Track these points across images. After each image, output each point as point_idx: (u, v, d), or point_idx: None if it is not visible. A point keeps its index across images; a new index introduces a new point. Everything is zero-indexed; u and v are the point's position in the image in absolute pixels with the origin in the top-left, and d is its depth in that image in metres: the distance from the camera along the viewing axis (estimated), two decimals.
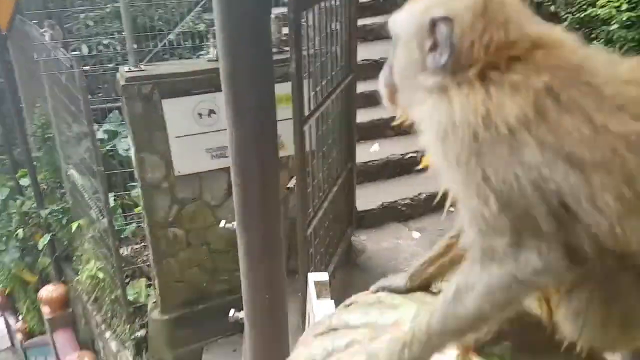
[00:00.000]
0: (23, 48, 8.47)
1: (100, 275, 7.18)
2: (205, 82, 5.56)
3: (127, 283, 6.82)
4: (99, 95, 9.03)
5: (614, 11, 6.55)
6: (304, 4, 4.27)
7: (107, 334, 7.09)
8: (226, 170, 4.99)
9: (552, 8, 7.48)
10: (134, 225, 7.24)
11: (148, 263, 6.73)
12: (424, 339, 1.08)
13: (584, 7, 7.00)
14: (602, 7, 6.75)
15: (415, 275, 1.34)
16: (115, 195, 7.19)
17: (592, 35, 6.93)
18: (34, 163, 9.10)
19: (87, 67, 6.91)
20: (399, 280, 1.35)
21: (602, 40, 6.84)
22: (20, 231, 8.96)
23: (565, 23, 7.14)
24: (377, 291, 1.38)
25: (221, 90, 5.45)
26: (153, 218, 5.91)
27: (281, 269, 3.03)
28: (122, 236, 7.22)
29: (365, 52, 7.06)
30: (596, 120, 1.00)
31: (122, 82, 5.64)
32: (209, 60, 5.90)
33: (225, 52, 2.38)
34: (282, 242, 3.00)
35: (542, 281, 1.00)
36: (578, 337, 1.04)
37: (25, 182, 9.46)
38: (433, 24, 1.12)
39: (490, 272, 1.03)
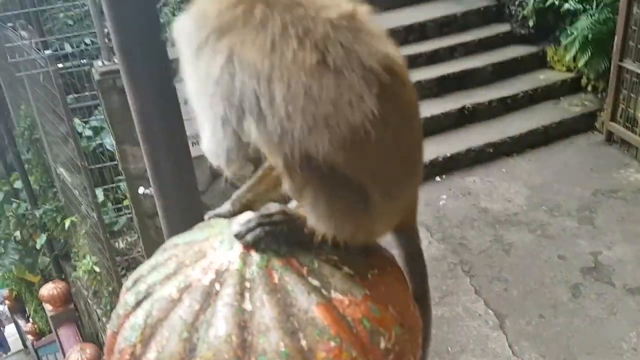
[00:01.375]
0: (2, 52, 8.54)
1: (97, 269, 7.32)
2: (174, 71, 5.62)
3: (124, 275, 6.96)
4: (85, 92, 9.12)
5: None
6: None
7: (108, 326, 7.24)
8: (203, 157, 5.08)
9: None
10: (125, 218, 7.36)
11: (142, 254, 6.86)
12: None
13: None
14: None
15: (236, 201, 1.48)
16: (104, 190, 7.31)
17: None
18: (25, 165, 9.21)
19: (61, 65, 6.95)
20: (225, 206, 1.51)
21: None
22: (18, 233, 9.11)
23: None
24: (209, 218, 1.53)
25: None
26: (140, 209, 6.02)
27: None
28: (115, 229, 7.35)
29: None
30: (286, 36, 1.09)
31: (97, 77, 5.73)
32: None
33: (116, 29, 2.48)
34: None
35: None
36: (319, 229, 1.25)
37: (19, 185, 9.61)
38: None
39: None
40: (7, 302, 16.82)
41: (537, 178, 6.29)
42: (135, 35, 2.39)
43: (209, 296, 1.25)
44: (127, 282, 1.44)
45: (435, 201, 6.10)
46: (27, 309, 13.95)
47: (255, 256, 1.28)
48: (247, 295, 1.23)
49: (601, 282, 4.86)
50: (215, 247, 1.34)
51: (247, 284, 1.25)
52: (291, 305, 1.21)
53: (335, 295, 1.24)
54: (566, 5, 6.94)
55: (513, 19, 7.92)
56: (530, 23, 7.56)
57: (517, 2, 7.79)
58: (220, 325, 1.20)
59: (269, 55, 1.09)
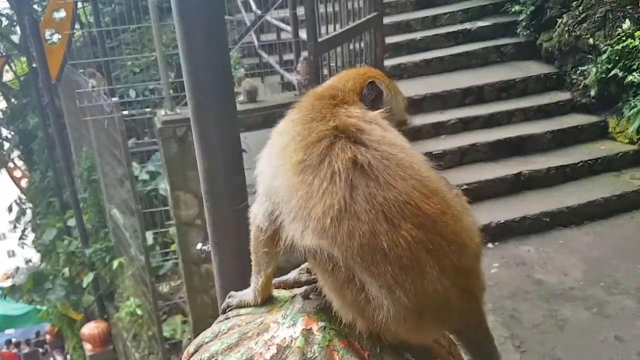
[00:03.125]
0: (72, 96, 8.98)
1: (139, 312, 7.35)
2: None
3: (164, 320, 6.96)
4: (145, 138, 9.44)
5: None
6: (321, 47, 4.42)
7: None
8: None
9: (591, 40, 7.46)
10: (172, 262, 7.42)
11: (184, 299, 6.86)
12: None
13: (623, 38, 6.95)
14: None
15: (304, 270, 1.62)
16: (154, 234, 7.42)
17: (632, 67, 6.87)
18: (80, 204, 9.49)
19: (126, 112, 7.24)
20: (291, 274, 1.63)
21: None
22: (66, 270, 9.31)
23: (605, 55, 7.11)
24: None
25: (251, 130, 5.72)
26: (187, 254, 6.06)
27: None
28: (160, 273, 7.41)
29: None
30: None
31: (158, 125, 5.91)
32: (240, 103, 6.11)
33: (191, 96, 2.54)
34: None
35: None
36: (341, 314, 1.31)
37: (72, 222, 9.89)
38: None
39: None
40: (48, 336, 17.11)
41: (595, 252, 6.01)
42: (208, 91, 2.44)
43: None
44: (190, 348, 1.45)
45: (486, 269, 5.87)
46: (65, 346, 14.10)
47: (317, 335, 1.28)
48: None
49: None
50: (278, 322, 1.35)
51: None
52: None
53: None
54: (630, 77, 6.80)
55: (574, 87, 7.81)
56: (592, 92, 7.43)
57: (578, 72, 7.70)
58: None
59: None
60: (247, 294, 1.53)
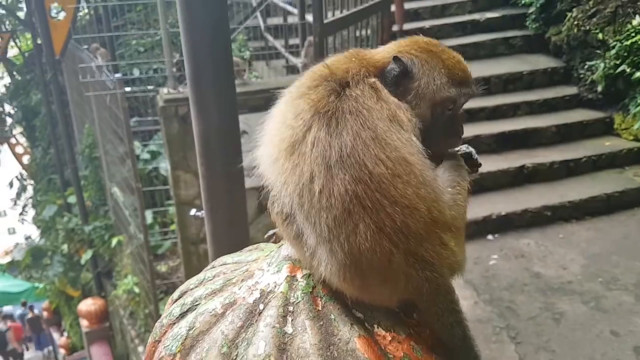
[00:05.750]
0: (75, 72, 8.93)
1: (136, 290, 7.36)
2: (239, 104, 5.71)
3: (162, 299, 6.96)
4: (147, 117, 9.41)
5: None
6: (327, 29, 4.39)
7: (140, 349, 7.23)
8: (257, 189, 5.09)
9: (600, 35, 7.39)
10: (170, 242, 7.41)
11: (182, 279, 6.86)
12: None
13: (632, 34, 6.88)
14: None
15: None
16: (154, 213, 7.41)
17: None
18: (81, 182, 9.48)
19: (128, 89, 7.19)
20: None
21: None
22: (65, 247, 9.31)
23: (613, 51, 7.04)
24: (267, 237, 1.61)
25: (254, 112, 5.68)
26: (185, 234, 6.05)
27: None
28: (159, 252, 7.41)
29: None
30: None
31: (160, 104, 5.87)
32: (243, 84, 6.07)
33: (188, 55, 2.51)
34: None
35: None
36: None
37: (73, 200, 9.88)
38: None
39: None
40: (45, 312, 17.21)
41: (595, 247, 5.99)
42: (207, 65, 2.42)
43: (252, 315, 1.27)
44: (174, 294, 1.46)
45: (485, 260, 5.87)
46: (63, 322, 14.18)
47: (301, 281, 1.30)
48: (289, 318, 1.24)
49: None
50: (263, 269, 1.36)
51: (291, 308, 1.26)
52: (332, 334, 1.21)
53: (378, 330, 1.24)
54: (638, 74, 6.74)
55: (581, 82, 7.75)
56: (599, 88, 7.37)
57: (585, 67, 7.63)
58: (260, 344, 1.21)
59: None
60: None
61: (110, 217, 8.73)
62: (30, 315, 17.39)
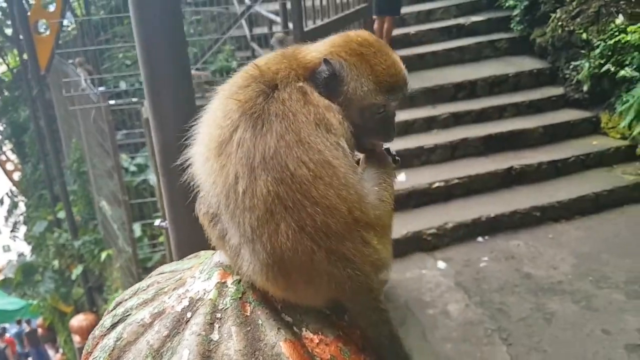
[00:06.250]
0: (60, 86, 8.91)
1: None
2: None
3: None
4: (135, 129, 9.38)
5: None
6: (307, 37, 4.38)
7: None
8: None
9: (584, 35, 7.42)
10: (160, 254, 7.36)
11: None
12: None
13: (616, 33, 6.91)
14: (633, 32, 6.65)
15: None
16: (142, 225, 7.36)
17: (625, 62, 6.84)
18: (70, 197, 9.43)
19: (112, 102, 7.17)
20: None
21: (635, 66, 6.74)
22: (56, 262, 9.25)
23: (597, 50, 7.07)
24: None
25: None
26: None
27: None
28: (149, 265, 7.34)
29: None
30: None
31: (145, 115, 5.83)
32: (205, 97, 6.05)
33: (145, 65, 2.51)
34: None
35: None
36: None
37: (63, 215, 9.82)
38: None
39: None
40: (40, 329, 17.07)
41: (585, 247, 5.98)
42: (164, 79, 2.42)
43: (179, 323, 1.25)
44: (110, 305, 1.46)
45: (475, 262, 5.84)
46: (58, 339, 14.06)
47: (231, 287, 1.29)
48: (216, 325, 1.24)
49: None
50: (195, 276, 1.35)
51: (219, 315, 1.25)
52: (259, 339, 1.21)
53: (306, 333, 1.24)
54: (622, 72, 6.77)
55: (566, 82, 7.78)
56: (585, 88, 7.39)
57: (571, 67, 7.66)
58: (184, 353, 1.19)
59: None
60: None
61: (100, 231, 8.68)
62: (27, 330, 17.28)
